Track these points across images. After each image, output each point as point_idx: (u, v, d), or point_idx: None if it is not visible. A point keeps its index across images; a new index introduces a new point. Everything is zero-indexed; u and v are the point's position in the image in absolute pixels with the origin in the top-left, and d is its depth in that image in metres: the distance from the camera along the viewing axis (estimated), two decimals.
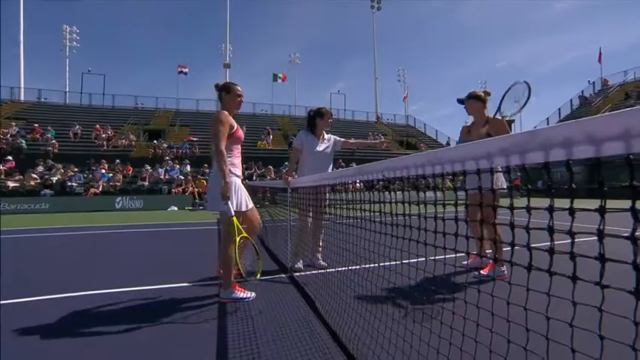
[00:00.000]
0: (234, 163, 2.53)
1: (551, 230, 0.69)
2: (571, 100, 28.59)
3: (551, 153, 0.69)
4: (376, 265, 1.59)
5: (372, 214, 1.59)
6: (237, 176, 2.53)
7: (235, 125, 2.50)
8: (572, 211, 0.66)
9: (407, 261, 1.31)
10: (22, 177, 13.63)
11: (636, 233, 0.53)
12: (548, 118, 28.08)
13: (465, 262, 3.05)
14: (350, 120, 33.14)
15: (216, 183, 2.38)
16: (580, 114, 25.21)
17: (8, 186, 12.96)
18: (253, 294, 2.52)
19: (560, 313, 0.68)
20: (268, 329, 1.94)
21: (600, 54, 31.07)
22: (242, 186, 2.56)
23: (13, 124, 18.56)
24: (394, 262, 1.41)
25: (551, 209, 0.70)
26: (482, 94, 3.11)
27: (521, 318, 0.79)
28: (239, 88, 2.59)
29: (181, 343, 1.81)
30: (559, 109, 28.17)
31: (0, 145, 16.01)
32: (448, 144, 30.77)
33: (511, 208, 0.83)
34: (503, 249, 2.97)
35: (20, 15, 29.13)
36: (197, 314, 2.22)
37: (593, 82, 29.41)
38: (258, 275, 2.44)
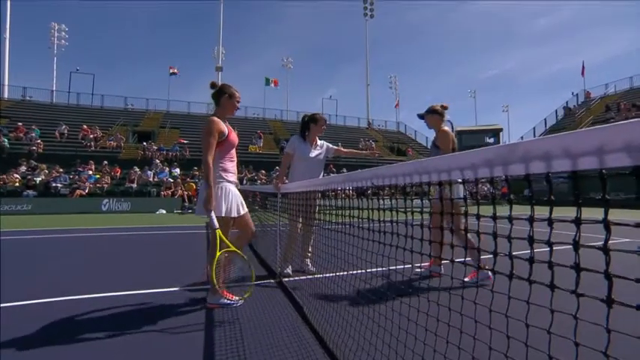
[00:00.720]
0: (227, 168, 2.49)
1: (531, 239, 0.71)
2: (556, 111, 29.44)
3: (531, 165, 0.72)
4: (363, 271, 1.60)
5: (360, 220, 1.61)
6: (230, 182, 2.49)
7: (226, 131, 2.46)
8: (550, 222, 0.69)
9: (393, 267, 1.33)
10: (3, 177, 13.26)
11: (608, 243, 0.56)
12: (534, 128, 28.82)
13: (419, 270, 3.12)
14: (341, 126, 33.34)
15: (204, 190, 2.36)
16: (564, 125, 25.96)
17: None
18: (241, 300, 2.50)
19: (539, 321, 0.70)
20: (256, 335, 1.93)
21: (583, 67, 32.09)
22: (235, 191, 2.51)
23: None
24: (381, 269, 1.43)
25: (531, 219, 0.72)
26: (440, 108, 3.31)
27: (502, 325, 0.81)
28: (238, 93, 2.59)
29: (168, 348, 1.78)
30: (545, 119, 28.97)
31: None
32: None
33: (494, 217, 0.86)
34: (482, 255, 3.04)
35: (7, 11, 28.54)
36: (185, 319, 2.19)
37: (577, 94, 30.34)
38: (252, 279, 2.41)
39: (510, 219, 0.79)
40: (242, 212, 2.54)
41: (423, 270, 3.10)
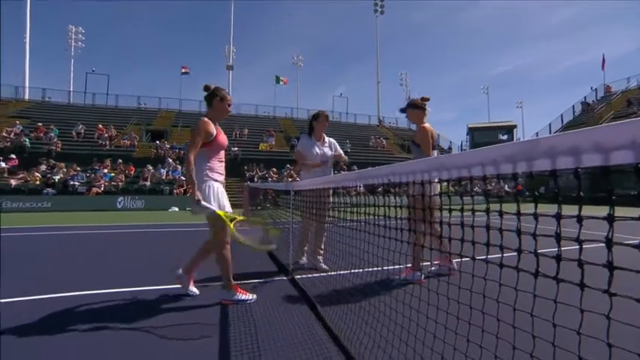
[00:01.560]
0: (214, 168, 2.52)
1: (558, 237, 0.69)
2: (573, 107, 28.56)
3: (559, 161, 0.69)
4: (378, 268, 1.59)
5: (376, 217, 1.59)
6: (217, 181, 2.53)
7: (214, 132, 2.50)
8: (580, 219, 0.66)
9: (410, 265, 1.31)
10: (25, 175, 13.69)
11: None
12: (550, 124, 28.05)
13: (432, 269, 3.06)
14: (352, 123, 33.20)
15: (198, 188, 2.42)
16: (582, 120, 25.20)
17: (11, 184, 13.01)
18: (255, 296, 2.52)
19: (567, 320, 0.68)
20: (269, 331, 1.94)
21: (604, 60, 31.07)
22: (222, 190, 2.56)
23: (17, 122, 18.69)
24: (397, 266, 1.42)
25: (559, 216, 0.70)
26: (420, 102, 3.21)
27: (527, 324, 0.79)
28: (229, 96, 2.64)
29: (183, 344, 1.81)
30: (561, 115, 28.14)
31: (4, 144, 16.09)
32: (450, 148, 30.78)
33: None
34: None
35: (27, 15, 29.35)
36: (199, 315, 2.23)
37: (596, 89, 29.36)
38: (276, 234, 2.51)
39: (536, 216, 0.76)
40: (230, 211, 2.58)
41: (435, 268, 3.06)
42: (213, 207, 2.40)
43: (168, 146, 19.66)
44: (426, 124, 3.13)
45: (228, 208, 2.53)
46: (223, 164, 2.63)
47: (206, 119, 2.50)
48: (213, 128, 2.49)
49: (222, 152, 2.62)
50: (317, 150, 3.57)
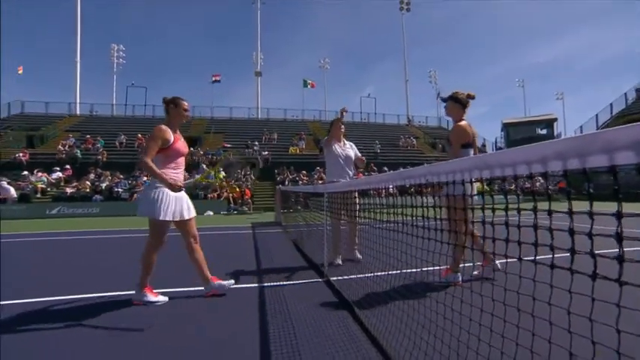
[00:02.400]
0: (167, 174, 2.52)
1: (619, 237, 0.65)
2: (626, 94, 26.12)
3: (617, 156, 0.65)
4: (415, 270, 1.57)
5: (414, 218, 1.58)
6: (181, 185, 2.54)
7: (172, 139, 2.55)
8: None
9: (448, 266, 1.28)
10: (77, 184, 14.89)
11: None
12: (597, 115, 25.93)
13: (475, 272, 2.88)
14: (381, 124, 32.78)
15: (148, 191, 2.51)
16: (636, 109, 23.08)
17: (67, 192, 14.22)
18: (166, 298, 2.61)
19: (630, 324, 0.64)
20: (307, 331, 1.97)
21: None
22: (177, 195, 2.55)
23: (70, 135, 20.43)
24: (434, 268, 1.39)
25: (619, 215, 0.66)
26: (464, 97, 2.98)
27: (583, 327, 0.76)
28: (186, 102, 2.72)
29: (224, 342, 1.89)
30: (610, 104, 25.86)
31: (60, 155, 17.64)
32: (484, 146, 29.44)
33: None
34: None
35: (78, 38, 32.06)
36: (238, 314, 2.31)
37: None
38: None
39: (591, 214, 0.73)
40: (185, 216, 2.60)
41: (478, 272, 2.92)
42: (161, 215, 2.44)
43: (202, 152, 20.49)
44: (463, 122, 2.96)
45: (175, 216, 2.53)
46: (180, 171, 2.66)
47: (162, 126, 2.57)
48: (170, 135, 2.56)
49: (181, 159, 2.67)
50: (339, 151, 3.99)
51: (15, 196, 13.36)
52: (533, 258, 0.86)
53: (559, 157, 0.79)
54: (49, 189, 14.79)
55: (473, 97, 3.02)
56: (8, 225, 9.40)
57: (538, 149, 0.83)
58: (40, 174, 15.21)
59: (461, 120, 2.99)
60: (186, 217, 2.61)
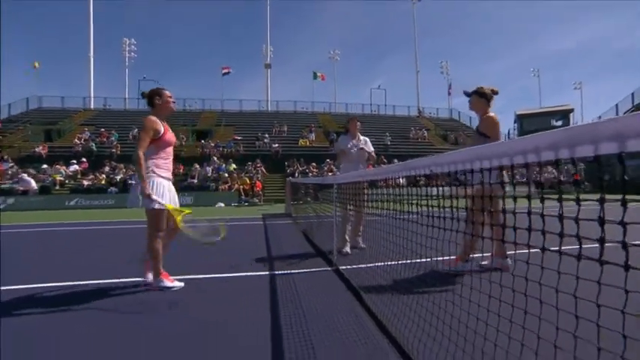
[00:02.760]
0: (159, 164, 2.58)
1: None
2: None
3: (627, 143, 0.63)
4: (425, 260, 1.58)
5: (419, 208, 1.58)
6: (162, 177, 2.59)
7: (162, 130, 2.57)
8: None
9: (445, 258, 1.29)
10: (93, 176, 15.30)
11: None
12: (617, 105, 25.01)
13: (484, 262, 2.94)
14: (391, 115, 32.45)
15: (137, 184, 2.54)
16: None
17: (84, 184, 14.64)
18: (182, 284, 2.65)
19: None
20: (317, 317, 2.02)
21: None
22: (168, 186, 2.63)
23: (86, 129, 20.96)
24: (445, 258, 1.39)
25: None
26: (489, 92, 3.03)
27: (612, 323, 0.76)
28: (168, 92, 2.70)
29: (237, 327, 1.95)
30: (632, 93, 24.89)
31: (76, 149, 18.12)
32: None
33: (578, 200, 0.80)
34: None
35: (91, 34, 32.53)
36: (250, 300, 2.37)
37: None
38: (222, 235, 2.74)
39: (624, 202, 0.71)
40: (177, 205, 2.66)
41: (487, 262, 2.93)
42: (162, 202, 2.50)
43: (213, 145, 20.71)
44: (493, 114, 3.01)
45: (173, 203, 2.61)
46: (170, 160, 2.69)
47: (151, 117, 2.59)
48: (160, 126, 2.58)
49: (170, 149, 2.68)
50: (350, 145, 4.21)
51: (36, 188, 13.83)
52: (557, 249, 0.82)
53: (551, 147, 0.79)
54: (66, 181, 15.24)
55: (496, 93, 3.08)
56: (31, 215, 9.77)
57: (530, 140, 0.83)
58: (58, 166, 15.68)
59: (488, 113, 3.02)
60: (178, 206, 2.68)
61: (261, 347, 1.68)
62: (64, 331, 1.93)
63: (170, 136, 2.68)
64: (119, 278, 2.94)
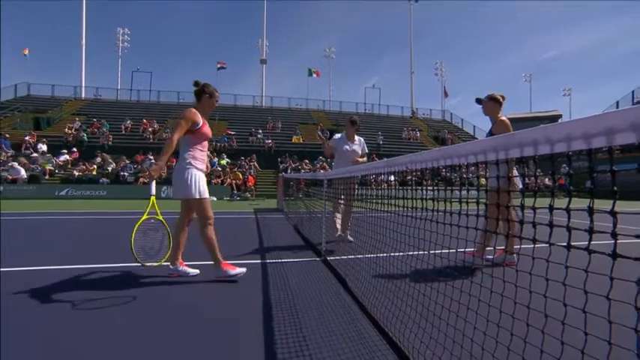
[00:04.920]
0: (196, 156, 2.70)
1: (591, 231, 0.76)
2: (633, 92, 25.59)
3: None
4: (402, 253, 1.77)
5: (404, 209, 1.77)
6: (199, 169, 2.71)
7: (201, 122, 2.71)
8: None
9: (434, 251, 1.48)
10: (84, 167, 15.16)
11: None
12: (618, 102, 25.38)
13: (491, 257, 3.20)
14: (384, 115, 32.72)
15: (181, 174, 2.63)
16: None
17: (75, 174, 14.51)
18: (244, 269, 2.72)
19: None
20: (305, 300, 2.21)
21: None
22: (203, 178, 2.74)
23: (77, 119, 20.66)
24: (421, 252, 1.55)
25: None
26: (500, 98, 3.39)
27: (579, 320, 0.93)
28: (217, 93, 2.90)
29: (228, 311, 2.12)
30: (617, 102, 25.51)
31: (67, 138, 17.89)
32: None
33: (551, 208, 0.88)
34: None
35: (83, 21, 31.91)
36: (242, 290, 2.54)
37: None
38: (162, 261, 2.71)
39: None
40: (205, 196, 2.74)
41: (491, 257, 3.18)
42: (153, 191, 2.61)
43: None
44: (504, 117, 3.33)
45: (207, 194, 2.71)
46: (205, 154, 2.82)
47: (194, 110, 2.73)
48: (199, 118, 2.71)
49: (206, 143, 2.81)
50: (347, 147, 4.29)
51: (25, 177, 13.67)
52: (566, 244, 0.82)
53: (519, 145, 0.97)
54: (56, 171, 15.08)
55: (505, 99, 3.46)
56: (20, 204, 9.71)
57: (504, 139, 1.00)
58: (47, 154, 15.49)
59: (500, 117, 3.35)
60: (206, 197, 2.76)
61: (252, 325, 1.85)
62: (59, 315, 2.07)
63: (207, 129, 2.78)
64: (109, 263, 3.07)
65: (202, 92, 2.81)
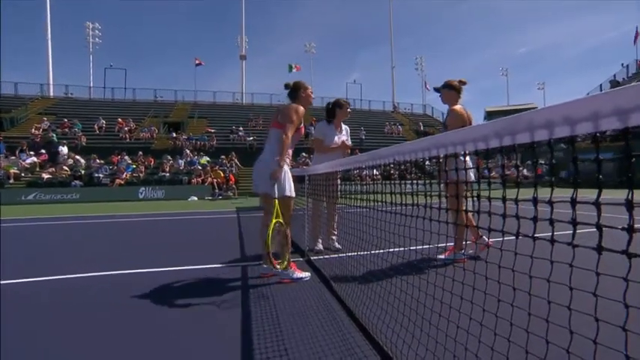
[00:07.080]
0: (290, 153, 2.72)
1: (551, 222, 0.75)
2: (601, 86, 27.10)
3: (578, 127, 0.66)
4: (384, 250, 1.72)
5: (384, 204, 1.71)
6: (288, 166, 2.71)
7: (302, 121, 2.72)
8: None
9: (415, 247, 1.42)
10: (54, 169, 14.43)
11: None
12: (601, 85, 26.52)
13: (442, 257, 2.98)
14: (366, 110, 32.87)
15: (268, 167, 2.55)
16: None
17: (43, 177, 13.78)
18: (308, 274, 2.66)
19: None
20: (287, 303, 2.12)
21: (637, 34, 29.14)
22: (290, 174, 2.71)
23: (45, 119, 19.58)
24: (403, 249, 1.51)
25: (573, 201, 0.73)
26: (456, 84, 3.20)
27: (540, 309, 0.90)
28: (310, 87, 2.85)
29: (207, 315, 2.01)
30: (587, 94, 26.74)
31: (34, 139, 16.94)
32: None
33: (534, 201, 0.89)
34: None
35: (47, 14, 30.18)
36: (222, 291, 2.43)
37: (627, 65, 27.57)
38: (284, 264, 2.45)
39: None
40: (293, 195, 2.74)
41: (445, 257, 3.00)
42: (276, 193, 2.51)
43: (185, 137, 20.13)
44: (457, 107, 3.16)
45: (291, 192, 2.65)
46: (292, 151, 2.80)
47: (302, 108, 2.69)
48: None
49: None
50: (337, 138, 3.69)
51: None
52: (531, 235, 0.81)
53: (496, 135, 0.92)
54: (22, 174, 14.28)
55: (465, 83, 3.25)
56: None
57: (480, 128, 0.95)
58: (12, 157, 14.64)
59: (455, 105, 3.18)
60: (293, 195, 2.72)
61: (232, 325, 1.76)
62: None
63: (302, 128, 2.76)
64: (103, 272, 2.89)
65: (297, 90, 2.78)
